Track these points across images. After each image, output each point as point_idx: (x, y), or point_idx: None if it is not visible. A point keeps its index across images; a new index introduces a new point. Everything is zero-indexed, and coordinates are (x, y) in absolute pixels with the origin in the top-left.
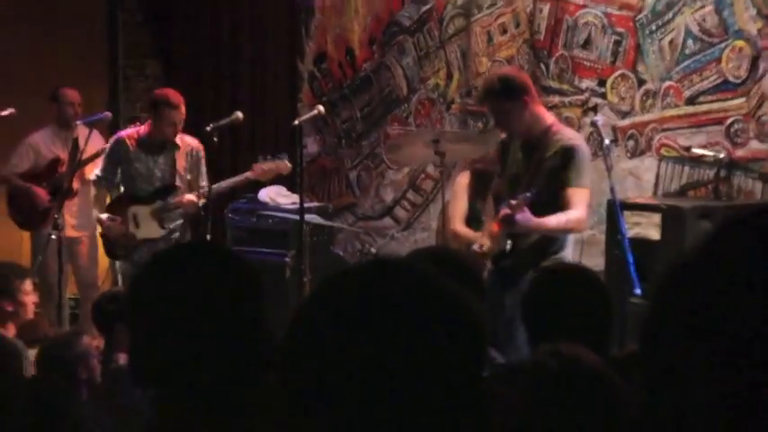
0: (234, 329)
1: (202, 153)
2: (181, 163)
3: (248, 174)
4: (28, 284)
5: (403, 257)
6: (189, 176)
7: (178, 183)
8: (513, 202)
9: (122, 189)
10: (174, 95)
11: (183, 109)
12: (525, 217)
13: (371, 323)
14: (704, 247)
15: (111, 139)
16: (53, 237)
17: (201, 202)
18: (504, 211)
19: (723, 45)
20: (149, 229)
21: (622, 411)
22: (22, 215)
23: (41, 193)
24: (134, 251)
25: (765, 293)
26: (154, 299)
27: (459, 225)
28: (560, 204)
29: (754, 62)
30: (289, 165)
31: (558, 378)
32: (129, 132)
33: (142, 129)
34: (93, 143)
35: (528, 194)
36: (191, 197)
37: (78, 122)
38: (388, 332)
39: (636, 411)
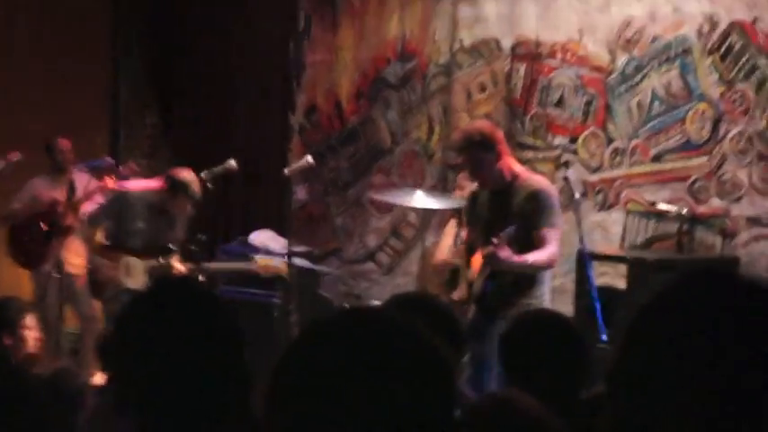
0: (211, 366)
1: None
2: (180, 226)
3: (251, 267)
4: (29, 319)
5: (379, 306)
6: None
7: (172, 245)
8: (496, 240)
9: (108, 237)
10: (195, 183)
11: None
12: (507, 254)
13: (349, 368)
14: (662, 299)
15: (115, 192)
16: (54, 274)
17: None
18: (489, 249)
19: (687, 107)
20: (139, 281)
21: None
22: (22, 255)
23: (40, 232)
24: (117, 295)
25: (713, 339)
26: (137, 335)
27: (440, 255)
28: (534, 245)
29: (716, 124)
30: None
31: (491, 419)
32: (135, 188)
33: (150, 188)
34: (91, 185)
35: (509, 230)
36: (182, 269)
37: (76, 167)
38: (365, 377)
39: None
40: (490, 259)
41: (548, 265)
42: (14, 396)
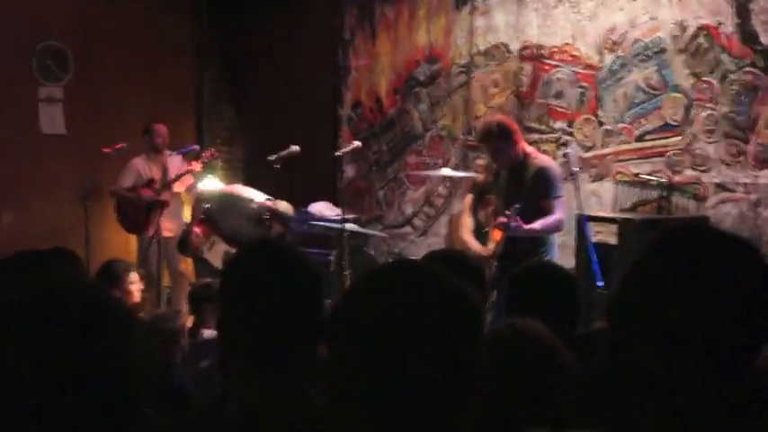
0: (299, 311)
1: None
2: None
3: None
4: (133, 275)
5: (418, 260)
6: None
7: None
8: (507, 212)
9: (210, 214)
10: (290, 212)
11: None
12: (517, 224)
13: (395, 309)
14: (648, 251)
15: (231, 187)
16: (154, 239)
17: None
18: (501, 219)
19: (664, 96)
20: (216, 258)
21: (564, 372)
22: (128, 222)
23: (141, 204)
24: (197, 257)
25: (687, 285)
26: (242, 285)
27: (467, 235)
28: (544, 212)
29: (688, 109)
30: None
31: (510, 342)
32: (246, 193)
33: (256, 202)
34: (180, 167)
35: (516, 206)
36: None
37: (170, 153)
38: (407, 315)
39: (575, 374)
40: (504, 228)
41: (555, 229)
42: (129, 334)
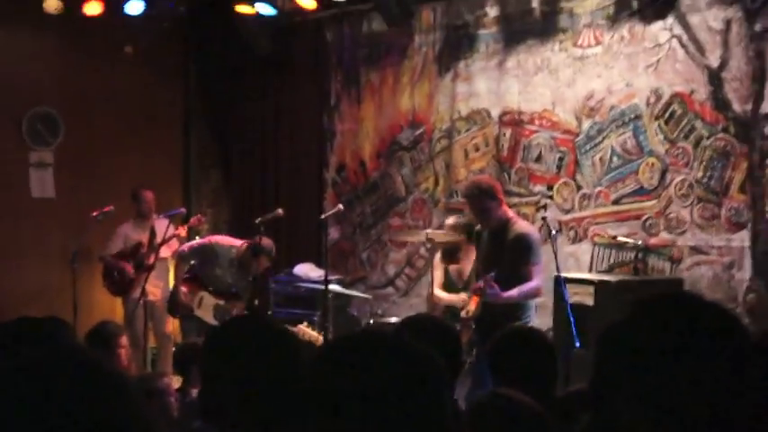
0: (274, 380)
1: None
2: (250, 275)
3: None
4: (124, 339)
5: (385, 330)
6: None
7: (241, 293)
8: (485, 279)
9: (194, 271)
10: (272, 248)
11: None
12: (493, 292)
13: (361, 375)
14: (628, 317)
15: (209, 239)
16: (140, 301)
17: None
18: (478, 285)
19: (639, 161)
20: (206, 313)
21: None
22: (114, 285)
23: (128, 267)
24: (187, 317)
25: (671, 355)
26: (221, 356)
27: (438, 291)
28: (523, 278)
29: (663, 174)
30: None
31: (493, 412)
32: (225, 242)
33: (236, 246)
34: (169, 231)
35: (491, 275)
36: (240, 311)
37: (158, 216)
38: (373, 384)
39: None
40: (481, 294)
41: (532, 296)
42: (120, 393)
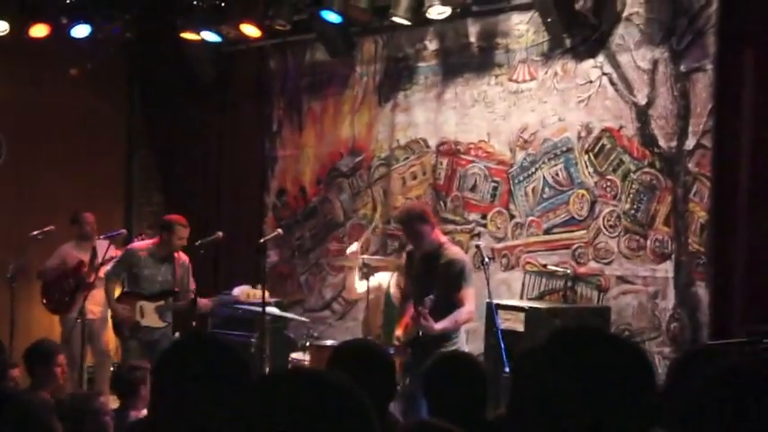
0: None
1: (190, 264)
2: (178, 272)
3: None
4: (61, 358)
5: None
6: (185, 280)
7: (176, 288)
8: (420, 308)
9: (126, 287)
10: (180, 220)
11: (187, 231)
12: (428, 325)
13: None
14: (544, 346)
15: (125, 249)
16: (78, 320)
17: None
18: (415, 317)
19: (570, 192)
20: (152, 319)
21: None
22: (53, 303)
23: (68, 286)
24: (136, 333)
25: (578, 379)
26: (173, 377)
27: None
28: (454, 302)
29: (593, 205)
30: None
31: None
32: (140, 245)
33: (151, 243)
34: (109, 252)
35: (429, 298)
36: (206, 301)
37: (99, 237)
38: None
39: None
40: (415, 322)
41: (465, 322)
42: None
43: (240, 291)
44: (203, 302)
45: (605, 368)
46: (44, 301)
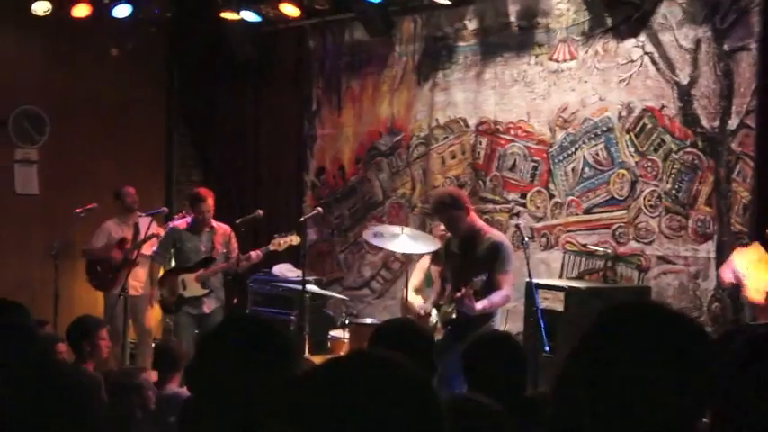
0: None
1: (233, 234)
2: (218, 242)
3: (269, 246)
4: (104, 332)
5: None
6: (224, 251)
7: (216, 256)
8: (465, 290)
9: (173, 263)
10: (201, 192)
11: (210, 201)
12: (470, 303)
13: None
14: (594, 326)
15: (167, 228)
16: (121, 296)
17: (247, 261)
18: (458, 295)
19: (611, 172)
20: (194, 289)
21: None
22: (97, 280)
23: (111, 263)
24: (182, 306)
25: (630, 359)
26: (216, 356)
27: (409, 296)
28: (493, 285)
29: (633, 185)
30: (298, 237)
31: (459, 414)
32: (180, 222)
33: (190, 218)
34: (151, 229)
35: (476, 282)
36: (257, 252)
37: (141, 214)
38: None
39: None
40: (458, 304)
41: (502, 305)
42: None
43: (280, 268)
44: (254, 254)
45: (667, 342)
46: (88, 277)
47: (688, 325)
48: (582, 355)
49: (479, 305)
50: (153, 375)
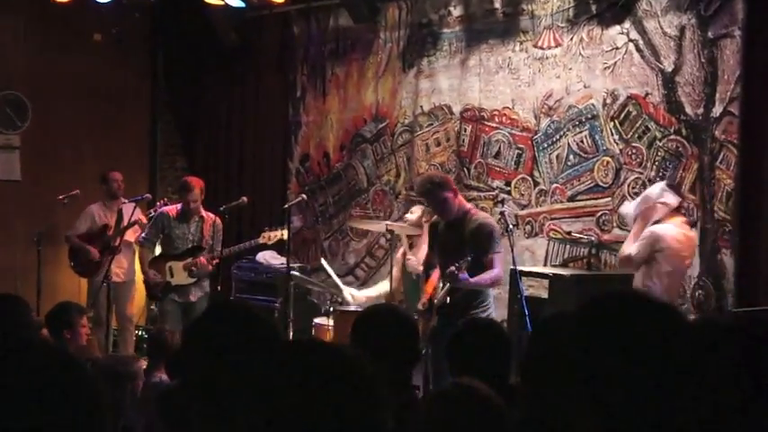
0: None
1: (221, 225)
2: (206, 231)
3: (258, 239)
4: (85, 320)
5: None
6: (211, 242)
7: (204, 245)
8: (455, 266)
9: (159, 249)
10: (190, 181)
11: (197, 191)
12: (464, 277)
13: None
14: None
15: (156, 213)
16: (104, 283)
17: (214, 262)
18: (451, 269)
19: (595, 159)
20: (181, 277)
21: (503, 425)
22: (80, 266)
23: (94, 249)
24: (168, 294)
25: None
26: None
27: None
28: (483, 266)
29: (617, 172)
30: (286, 232)
31: (455, 400)
32: (170, 208)
33: (179, 206)
34: (135, 215)
35: (468, 258)
36: (203, 259)
37: (125, 200)
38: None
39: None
40: (451, 278)
41: (495, 283)
42: (74, 380)
43: (264, 255)
44: (200, 260)
45: (648, 334)
46: (71, 264)
47: (670, 315)
48: (562, 348)
49: (474, 279)
50: (142, 363)
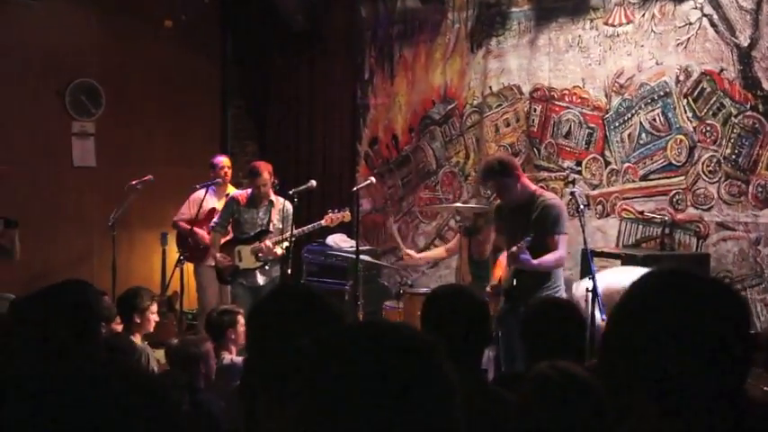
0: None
1: (291, 209)
2: (275, 215)
3: (321, 221)
4: (154, 306)
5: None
6: (280, 226)
7: (271, 229)
8: (516, 247)
9: (231, 234)
10: (258, 166)
11: (266, 175)
12: (525, 257)
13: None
14: (633, 293)
15: (227, 199)
16: (212, 267)
17: (284, 245)
18: (513, 249)
19: (668, 138)
20: (249, 261)
21: (605, 411)
22: (188, 252)
23: (202, 234)
24: (237, 277)
25: (667, 328)
26: (266, 321)
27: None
28: (548, 247)
29: (691, 151)
30: (350, 215)
31: (557, 385)
32: (240, 193)
33: (249, 191)
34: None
35: (528, 239)
36: (268, 243)
37: (200, 186)
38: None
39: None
40: (513, 259)
41: (556, 266)
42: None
43: (333, 238)
44: (265, 244)
45: (702, 311)
46: (180, 250)
47: (726, 292)
48: (618, 323)
49: (536, 260)
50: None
